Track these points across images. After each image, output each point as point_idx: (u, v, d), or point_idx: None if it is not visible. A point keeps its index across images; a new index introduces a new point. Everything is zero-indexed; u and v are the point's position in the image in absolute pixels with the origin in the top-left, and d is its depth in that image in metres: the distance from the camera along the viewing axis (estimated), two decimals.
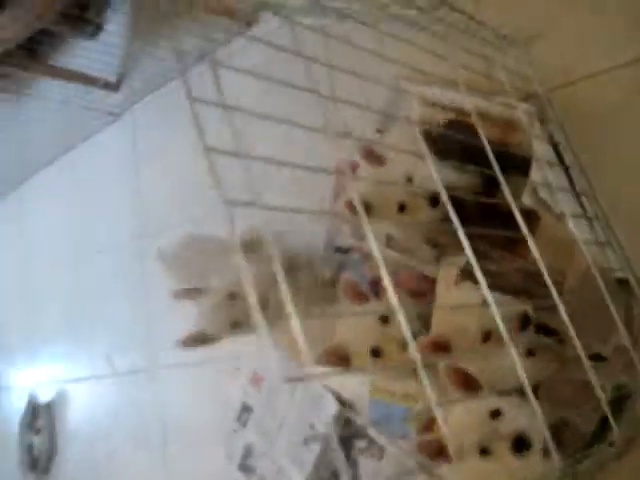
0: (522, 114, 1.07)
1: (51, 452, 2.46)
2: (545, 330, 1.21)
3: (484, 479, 1.03)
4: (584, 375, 1.19)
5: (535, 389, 1.25)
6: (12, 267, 2.80)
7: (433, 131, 1.35)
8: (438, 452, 1.02)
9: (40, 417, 2.50)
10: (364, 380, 1.44)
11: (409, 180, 1.12)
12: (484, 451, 0.99)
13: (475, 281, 1.11)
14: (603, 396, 1.16)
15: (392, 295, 0.80)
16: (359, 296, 1.20)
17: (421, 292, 1.33)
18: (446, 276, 1.14)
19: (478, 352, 1.06)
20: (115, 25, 2.19)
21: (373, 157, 1.14)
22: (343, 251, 1.54)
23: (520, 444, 0.98)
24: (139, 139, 2.14)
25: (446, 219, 1.39)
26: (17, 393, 2.72)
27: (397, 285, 1.37)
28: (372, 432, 1.44)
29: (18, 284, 2.71)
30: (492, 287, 1.32)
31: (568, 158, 1.15)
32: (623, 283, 1.12)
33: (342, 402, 1.50)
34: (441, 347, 1.00)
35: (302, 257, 1.57)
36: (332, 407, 1.52)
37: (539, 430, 1.02)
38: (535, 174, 1.05)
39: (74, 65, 2.21)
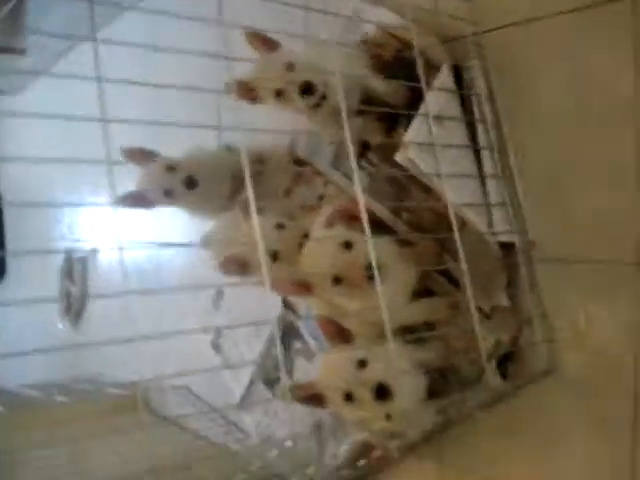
0: (417, 59, 1.07)
1: (82, 302, 2.75)
2: (447, 276, 1.26)
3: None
4: (472, 325, 1.25)
5: (431, 328, 1.32)
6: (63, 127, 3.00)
7: (384, 57, 1.36)
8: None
9: (75, 270, 2.78)
10: None
11: (289, 68, 1.15)
12: (349, 397, 1.06)
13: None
14: (485, 346, 1.22)
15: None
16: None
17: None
18: (324, 213, 1.18)
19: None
20: None
21: (264, 42, 1.16)
22: (300, 163, 1.59)
23: (381, 392, 1.06)
24: None
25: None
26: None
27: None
28: (305, 335, 1.56)
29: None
30: (407, 223, 1.36)
31: (481, 110, 1.14)
32: (511, 247, 1.14)
33: (286, 304, 1.62)
34: (304, 287, 1.06)
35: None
36: (278, 308, 1.64)
37: (400, 379, 1.09)
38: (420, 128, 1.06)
39: None
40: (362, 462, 1.47)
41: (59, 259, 2.99)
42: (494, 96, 1.16)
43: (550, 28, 1.16)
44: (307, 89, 1.12)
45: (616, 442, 1.07)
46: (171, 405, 2.06)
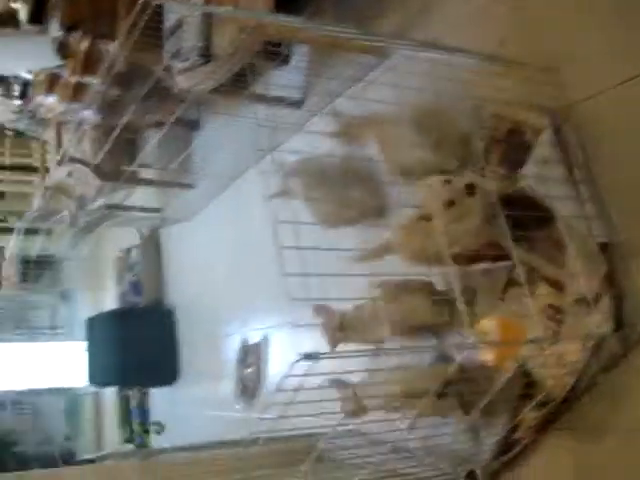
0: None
1: (257, 382, 3.25)
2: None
3: None
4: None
5: None
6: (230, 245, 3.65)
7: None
8: None
9: (249, 355, 3.30)
10: None
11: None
12: None
13: None
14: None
15: None
16: None
17: None
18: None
19: None
20: (298, 55, 2.89)
21: None
22: None
23: None
24: None
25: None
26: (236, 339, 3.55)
27: None
28: None
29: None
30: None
31: (574, 157, 1.61)
32: (606, 245, 1.57)
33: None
34: None
35: None
36: None
37: None
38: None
39: (270, 88, 2.95)
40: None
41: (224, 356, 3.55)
42: (584, 145, 1.62)
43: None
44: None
45: None
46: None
